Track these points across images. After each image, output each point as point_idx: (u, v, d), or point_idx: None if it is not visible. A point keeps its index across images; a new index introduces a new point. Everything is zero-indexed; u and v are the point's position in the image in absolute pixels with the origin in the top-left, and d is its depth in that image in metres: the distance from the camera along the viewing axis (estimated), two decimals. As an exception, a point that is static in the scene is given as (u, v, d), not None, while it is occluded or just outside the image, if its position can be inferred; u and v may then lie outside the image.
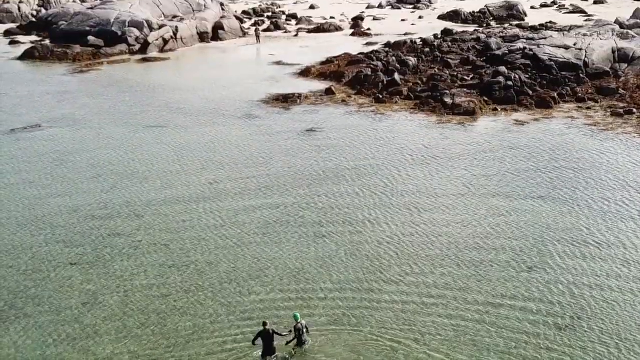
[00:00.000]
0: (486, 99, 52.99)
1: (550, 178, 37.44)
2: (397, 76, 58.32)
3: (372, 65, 62.49)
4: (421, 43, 72.93)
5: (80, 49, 73.55)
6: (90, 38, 74.92)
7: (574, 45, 62.58)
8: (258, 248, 29.91)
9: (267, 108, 53.00)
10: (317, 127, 47.49)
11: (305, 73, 64.53)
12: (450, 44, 71.88)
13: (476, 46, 70.00)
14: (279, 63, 69.80)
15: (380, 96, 54.68)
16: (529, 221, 32.12)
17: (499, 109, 51.44)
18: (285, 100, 54.63)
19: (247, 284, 27.00)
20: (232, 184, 37.39)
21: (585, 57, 60.42)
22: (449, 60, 64.24)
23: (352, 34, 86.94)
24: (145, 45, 74.72)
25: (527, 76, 57.45)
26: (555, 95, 53.64)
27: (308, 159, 40.92)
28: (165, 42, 76.02)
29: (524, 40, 68.08)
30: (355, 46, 76.02)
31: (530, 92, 53.98)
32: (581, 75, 58.01)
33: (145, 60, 71.62)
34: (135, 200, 35.21)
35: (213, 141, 44.76)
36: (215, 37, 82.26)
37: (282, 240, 30.62)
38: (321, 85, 59.38)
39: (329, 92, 56.83)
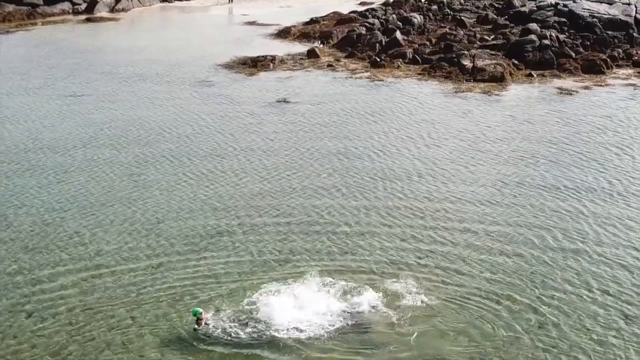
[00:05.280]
0: (516, 62, 40.41)
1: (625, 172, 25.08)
2: (399, 35, 45.63)
3: (367, 24, 49.76)
4: (427, 1, 59.97)
5: (13, 8, 60.42)
6: (26, -5, 61.75)
7: (619, -1, 50.13)
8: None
9: (228, 74, 40.28)
10: (292, 97, 34.90)
11: (284, 34, 51.91)
12: (462, 1, 59.09)
13: (494, 4, 57.45)
14: (252, 23, 57.11)
15: (378, 59, 42.05)
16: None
17: (535, 75, 38.84)
18: (254, 64, 41.90)
19: None
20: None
21: (636, 12, 48.04)
22: (463, 18, 51.55)
23: (344, -5, 73.74)
24: (92, 4, 61.65)
25: (564, 36, 44.95)
26: (606, 57, 41.08)
27: (272, 142, 28.42)
28: (117, 0, 63.00)
29: (554, -4, 55.44)
30: (347, 6, 63.06)
31: (573, 54, 41.43)
32: (633, 34, 45.65)
33: (89, 20, 58.52)
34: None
35: (140, 116, 32.10)
36: (181, -5, 69.10)
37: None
38: (302, 48, 46.77)
39: (311, 54, 44.18)
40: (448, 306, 16.54)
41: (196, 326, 15.60)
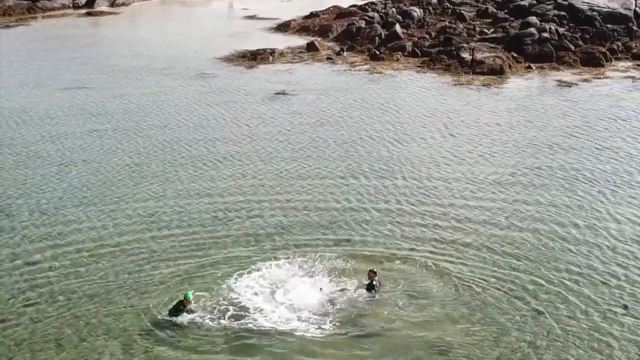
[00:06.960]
0: (515, 54, 40.47)
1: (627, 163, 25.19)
2: (398, 28, 45.73)
3: (366, 17, 49.82)
4: (426, -5, 59.93)
5: (13, 2, 60.50)
6: (26, -11, 61.79)
7: (619, -8, 50.09)
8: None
9: (228, 66, 40.39)
10: (291, 89, 34.99)
11: (284, 28, 51.99)
12: (462, -5, 59.10)
13: (494, -2, 57.49)
14: (252, 17, 57.25)
15: (377, 52, 42.14)
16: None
17: (534, 67, 38.93)
18: (254, 57, 42.02)
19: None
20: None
21: (636, 6, 48.08)
22: (462, 11, 51.60)
23: (344, -10, 73.70)
24: (92, -2, 61.84)
25: (564, 29, 44.99)
26: (605, 50, 41.15)
27: (270, 133, 28.52)
28: (118, -6, 63.21)
29: (553, -10, 55.44)
30: (347, 0, 63.02)
31: (572, 47, 41.48)
32: (633, 27, 45.69)
33: (89, 14, 58.68)
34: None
35: (143, 108, 32.20)
36: (181, -10, 69.18)
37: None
38: (302, 41, 46.87)
39: (310, 47, 44.28)
40: (461, 290, 16.61)
41: (180, 307, 15.66)
